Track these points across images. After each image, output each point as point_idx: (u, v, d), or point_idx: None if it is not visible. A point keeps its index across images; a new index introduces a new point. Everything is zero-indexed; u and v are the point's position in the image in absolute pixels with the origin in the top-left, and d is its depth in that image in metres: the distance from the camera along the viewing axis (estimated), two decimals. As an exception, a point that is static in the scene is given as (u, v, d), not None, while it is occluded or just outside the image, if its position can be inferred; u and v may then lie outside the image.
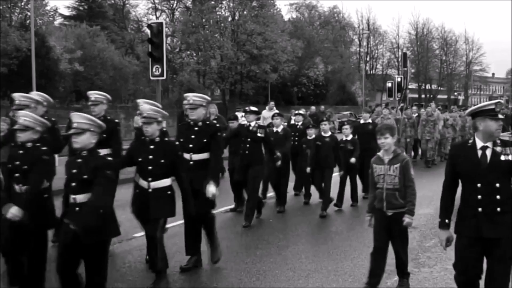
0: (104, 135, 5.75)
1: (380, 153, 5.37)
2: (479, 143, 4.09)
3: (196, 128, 6.25)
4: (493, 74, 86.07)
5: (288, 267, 6.30)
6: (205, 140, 6.16)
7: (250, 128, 8.52)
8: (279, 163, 8.87)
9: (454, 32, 70.88)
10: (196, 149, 6.18)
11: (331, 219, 9.14)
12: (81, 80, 32.53)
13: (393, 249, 5.37)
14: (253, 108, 8.93)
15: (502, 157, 4.01)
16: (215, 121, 11.65)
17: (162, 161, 5.51)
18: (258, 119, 9.70)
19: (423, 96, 64.38)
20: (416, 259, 6.59)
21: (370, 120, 11.75)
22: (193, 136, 6.22)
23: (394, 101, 30.13)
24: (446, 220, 4.30)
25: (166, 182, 5.59)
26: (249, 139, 8.45)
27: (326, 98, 49.14)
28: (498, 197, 3.99)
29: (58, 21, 40.36)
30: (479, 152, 4.07)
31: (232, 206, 9.52)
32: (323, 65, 51.07)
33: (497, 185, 3.99)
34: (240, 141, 8.60)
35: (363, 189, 10.67)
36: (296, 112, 12.19)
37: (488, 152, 4.06)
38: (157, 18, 44.20)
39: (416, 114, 17.19)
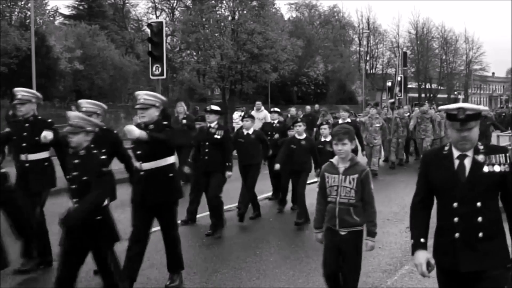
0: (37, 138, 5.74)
1: (334, 160, 4.57)
2: (456, 152, 3.27)
3: (147, 131, 5.36)
4: (493, 73, 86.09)
5: (288, 267, 6.30)
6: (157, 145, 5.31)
7: (210, 129, 7.67)
8: (229, 174, 7.72)
9: (454, 31, 70.83)
10: (146, 156, 5.30)
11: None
12: (81, 80, 32.55)
13: (341, 274, 4.59)
14: (215, 107, 8.02)
15: (486, 168, 3.18)
16: (184, 121, 11.51)
17: (85, 178, 4.51)
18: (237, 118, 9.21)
19: (423, 95, 64.35)
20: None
21: (349, 120, 11.23)
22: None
23: (394, 101, 30.13)
24: (422, 239, 3.35)
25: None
26: (207, 143, 7.63)
27: (326, 97, 49.12)
28: (479, 219, 3.16)
29: (58, 20, 40.40)
30: (456, 162, 3.25)
31: (232, 205, 9.26)
32: (323, 64, 51.07)
33: (479, 204, 3.16)
34: (199, 146, 7.80)
35: None
36: (272, 109, 11.40)
37: (467, 162, 3.22)
38: (157, 17, 44.14)
39: (408, 114, 16.84)
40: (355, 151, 10.69)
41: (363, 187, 4.45)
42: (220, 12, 39.21)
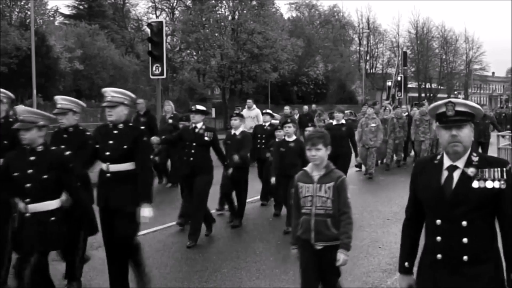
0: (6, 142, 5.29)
1: (308, 168, 4.19)
2: (447, 161, 2.89)
3: (115, 132, 5.05)
4: (493, 73, 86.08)
5: (288, 267, 6.30)
6: (125, 147, 4.96)
7: (196, 130, 7.33)
8: (230, 171, 7.71)
9: (454, 31, 71.01)
10: (114, 158, 4.99)
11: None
12: (81, 79, 32.56)
13: None
14: (200, 107, 7.65)
15: (475, 183, 2.78)
16: (170, 120, 11.31)
17: (45, 176, 4.39)
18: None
19: (423, 95, 64.37)
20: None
21: (343, 121, 10.46)
22: (111, 142, 5.02)
23: (394, 100, 30.17)
24: (406, 264, 3.17)
25: (49, 205, 4.44)
26: (194, 144, 7.28)
27: (326, 97, 49.11)
28: (465, 240, 2.78)
29: (58, 20, 40.39)
30: (444, 174, 2.87)
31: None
32: (323, 64, 51.05)
33: (464, 223, 2.77)
34: (184, 146, 7.40)
35: None
36: (264, 111, 11.02)
37: (456, 175, 2.84)
38: (157, 17, 44.13)
39: (406, 114, 16.34)
40: (348, 155, 10.30)
41: (339, 195, 4.05)
42: (220, 12, 39.18)
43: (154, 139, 7.48)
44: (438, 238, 2.86)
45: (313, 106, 23.47)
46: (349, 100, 52.80)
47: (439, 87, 67.84)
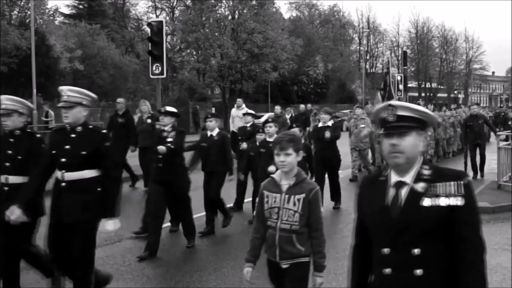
0: None
1: (276, 176, 3.66)
2: (394, 177, 2.42)
3: (72, 136, 4.55)
4: (493, 72, 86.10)
5: (288, 266, 6.30)
6: (83, 153, 4.47)
7: (163, 133, 6.81)
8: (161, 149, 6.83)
9: (454, 30, 70.92)
10: (70, 165, 4.49)
11: (329, 219, 9.14)
12: (81, 79, 32.56)
13: None
14: (170, 109, 7.06)
15: (426, 201, 2.31)
16: (149, 120, 10.90)
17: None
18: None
19: (423, 94, 64.40)
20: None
21: (330, 123, 9.67)
22: (67, 147, 4.51)
23: (394, 100, 30.17)
24: None
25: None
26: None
27: (326, 96, 49.15)
28: (418, 272, 2.29)
29: (58, 19, 40.40)
30: (390, 192, 2.40)
31: (231, 205, 9.19)
32: (323, 63, 51.07)
33: (416, 251, 2.30)
34: (154, 152, 6.86)
35: (331, 197, 9.72)
36: (245, 111, 10.64)
37: (404, 193, 2.37)
38: (157, 16, 44.16)
39: None
40: (338, 158, 9.75)
41: (310, 210, 3.55)
42: (220, 12, 39.19)
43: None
44: (387, 270, 2.36)
45: (309, 105, 23.11)
46: (349, 100, 52.84)
47: (439, 86, 67.90)
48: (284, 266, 3.59)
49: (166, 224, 8.22)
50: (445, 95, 68.32)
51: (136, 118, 11.57)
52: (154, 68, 13.67)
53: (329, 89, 51.54)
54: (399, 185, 2.39)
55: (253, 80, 38.36)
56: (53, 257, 4.69)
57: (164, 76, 14.32)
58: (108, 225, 4.48)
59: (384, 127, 2.41)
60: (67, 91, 4.62)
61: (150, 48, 13.89)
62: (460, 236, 2.31)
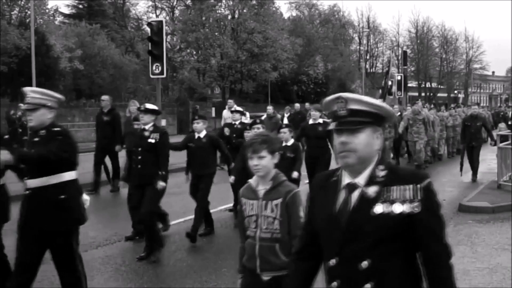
0: None
1: (252, 181, 3.35)
2: (346, 178, 2.13)
3: (35, 139, 4.23)
4: (493, 72, 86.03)
5: (288, 266, 6.29)
6: None
7: (143, 133, 6.44)
8: (161, 184, 6.39)
9: (454, 30, 70.86)
10: (33, 172, 4.17)
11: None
12: (81, 79, 32.56)
13: None
14: (150, 106, 6.66)
15: (378, 208, 2.01)
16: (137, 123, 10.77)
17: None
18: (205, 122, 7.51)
19: (423, 94, 64.40)
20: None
21: (321, 120, 9.30)
22: (32, 151, 4.18)
23: (394, 99, 30.15)
24: None
25: None
26: (140, 149, 6.43)
27: (326, 96, 48.98)
28: (368, 286, 2.03)
29: (58, 19, 40.38)
30: (341, 195, 2.11)
31: (231, 205, 9.13)
32: (323, 63, 51.06)
33: (365, 264, 2.02)
34: (132, 152, 6.57)
35: None
36: (233, 109, 10.27)
37: (355, 197, 2.08)
38: (157, 16, 44.12)
39: (399, 113, 15.72)
40: (327, 157, 9.14)
41: (289, 215, 3.20)
42: (220, 11, 39.20)
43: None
44: (334, 283, 2.11)
45: (307, 104, 22.97)
46: (349, 100, 52.73)
47: (439, 86, 67.90)
48: (265, 278, 3.22)
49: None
50: (445, 94, 68.31)
51: (132, 117, 11.35)
52: (154, 67, 13.66)
53: (329, 89, 51.43)
54: (351, 187, 2.09)
55: (253, 80, 38.39)
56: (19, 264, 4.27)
57: (164, 76, 14.32)
58: None
59: (335, 122, 2.12)
60: (30, 93, 4.29)
61: (150, 48, 13.88)
62: (420, 246, 2.04)
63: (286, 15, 51.25)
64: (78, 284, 4.40)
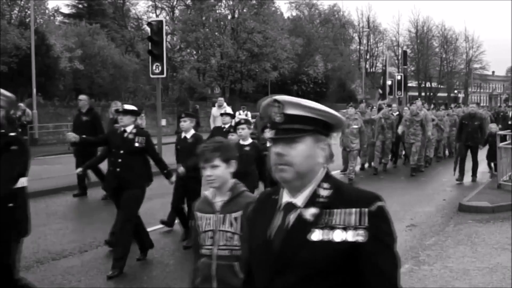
0: None
1: (208, 193, 3.01)
2: (285, 196, 1.78)
3: None
4: (493, 72, 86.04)
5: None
6: None
7: (125, 135, 6.08)
8: (173, 179, 6.50)
9: (454, 30, 70.95)
10: None
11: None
12: (81, 78, 32.54)
13: None
14: (129, 107, 6.25)
15: (316, 235, 1.65)
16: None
17: None
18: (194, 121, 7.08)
19: (423, 94, 64.41)
20: (416, 257, 6.59)
21: None
22: None
23: (394, 99, 30.15)
24: None
25: None
26: (121, 151, 6.01)
27: (326, 96, 49.13)
28: None
29: (58, 19, 40.38)
30: (278, 217, 1.75)
31: None
32: (323, 63, 51.08)
33: None
34: (110, 154, 6.19)
35: None
36: (223, 111, 10.03)
37: (292, 219, 1.71)
38: (157, 16, 44.12)
39: (397, 113, 15.33)
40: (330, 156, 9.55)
41: None
42: (219, 11, 39.21)
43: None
44: None
45: None
46: (349, 99, 52.83)
47: (439, 86, 67.95)
48: None
49: (158, 226, 8.23)
50: (445, 94, 68.35)
51: (114, 119, 11.03)
52: (154, 67, 13.66)
53: (329, 89, 51.51)
54: (288, 208, 1.73)
55: (253, 80, 38.39)
56: None
57: (164, 75, 14.32)
58: None
59: (273, 131, 1.76)
60: None
61: (150, 48, 13.88)
62: (367, 284, 1.64)
63: (286, 15, 51.35)
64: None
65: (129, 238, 6.04)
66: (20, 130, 20.95)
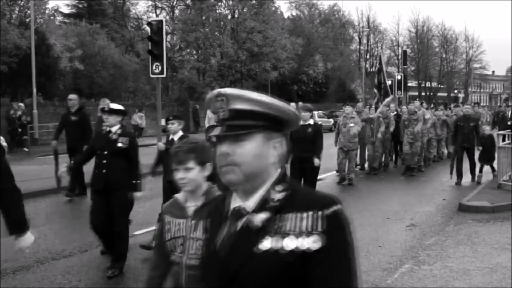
0: None
1: (180, 196, 2.78)
2: (235, 201, 1.58)
3: None
4: (493, 71, 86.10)
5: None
6: None
7: (110, 135, 5.93)
8: (137, 195, 6.09)
9: (454, 29, 71.08)
10: None
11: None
12: (81, 78, 32.56)
13: None
14: (115, 106, 6.12)
15: (266, 243, 1.44)
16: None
17: None
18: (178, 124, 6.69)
19: (423, 93, 64.42)
20: (416, 256, 6.59)
21: (311, 122, 8.77)
22: None
23: (395, 99, 30.15)
24: None
25: None
26: (105, 152, 5.86)
27: (326, 96, 49.16)
28: None
29: (58, 19, 40.39)
30: (225, 224, 1.57)
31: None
32: (323, 63, 51.08)
33: None
34: (96, 155, 6.02)
35: None
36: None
37: (238, 226, 1.54)
38: (157, 15, 44.13)
39: (395, 113, 15.22)
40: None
41: None
42: (219, 11, 39.21)
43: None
44: None
45: (300, 103, 22.75)
46: (349, 99, 52.78)
47: (439, 86, 67.97)
48: None
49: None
50: (445, 94, 68.37)
51: (102, 117, 10.90)
52: (154, 67, 13.64)
53: (329, 89, 51.53)
54: (236, 214, 1.54)
55: (253, 80, 38.40)
56: None
57: (164, 75, 14.29)
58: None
59: (220, 128, 1.56)
60: None
61: (150, 47, 13.87)
62: None
63: (286, 15, 51.36)
64: None
65: (128, 238, 6.13)
66: (20, 130, 20.96)
